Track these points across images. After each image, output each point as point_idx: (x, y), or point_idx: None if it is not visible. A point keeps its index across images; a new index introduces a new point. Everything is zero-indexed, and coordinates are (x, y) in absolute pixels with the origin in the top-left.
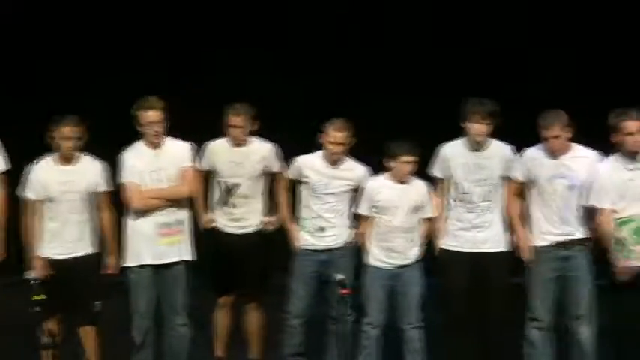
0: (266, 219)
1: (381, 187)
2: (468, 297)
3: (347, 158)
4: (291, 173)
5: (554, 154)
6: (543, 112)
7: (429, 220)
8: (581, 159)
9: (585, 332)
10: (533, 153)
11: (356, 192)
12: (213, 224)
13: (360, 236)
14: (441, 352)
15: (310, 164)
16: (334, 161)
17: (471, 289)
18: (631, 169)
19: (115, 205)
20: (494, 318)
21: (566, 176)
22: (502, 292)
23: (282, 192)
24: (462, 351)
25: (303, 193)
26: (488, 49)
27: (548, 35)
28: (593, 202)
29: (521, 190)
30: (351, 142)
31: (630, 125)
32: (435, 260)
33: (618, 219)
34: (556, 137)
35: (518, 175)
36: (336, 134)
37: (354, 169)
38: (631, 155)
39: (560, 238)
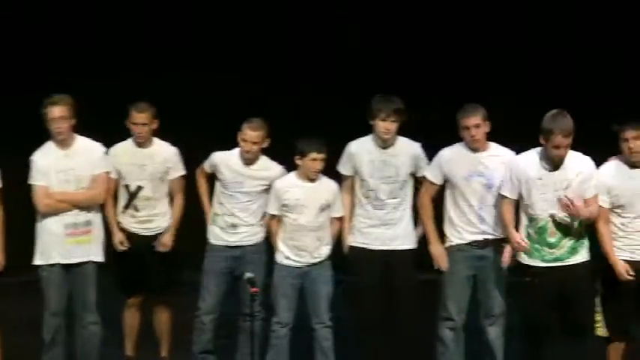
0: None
1: (290, 186)
2: (379, 295)
3: (263, 157)
4: (207, 166)
5: (474, 145)
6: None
7: (339, 218)
8: (498, 157)
9: (495, 332)
10: (449, 153)
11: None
12: (121, 239)
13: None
14: (351, 351)
15: (226, 161)
16: (248, 160)
17: (381, 286)
18: (545, 169)
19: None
20: (404, 316)
21: (483, 174)
22: (411, 289)
23: (179, 195)
24: (373, 349)
25: (218, 189)
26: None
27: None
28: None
29: (436, 191)
30: (266, 142)
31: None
32: (345, 258)
33: (527, 214)
34: (477, 126)
35: (432, 177)
36: (250, 133)
37: (269, 169)
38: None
39: (476, 237)
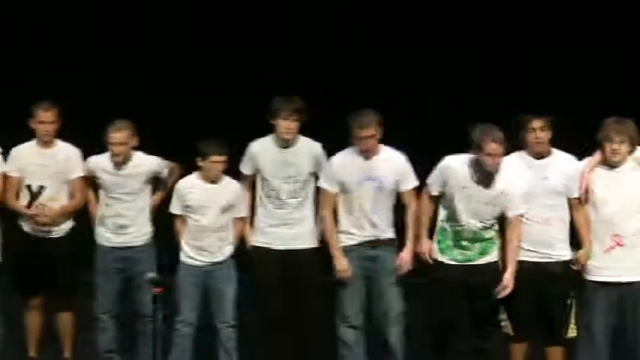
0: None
1: (191, 187)
2: (280, 294)
3: (136, 154)
4: (84, 172)
5: (367, 154)
6: (354, 114)
7: (242, 218)
8: (389, 160)
9: (394, 333)
10: (339, 159)
11: (156, 181)
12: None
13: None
14: (255, 351)
15: (101, 165)
16: (119, 162)
17: (282, 286)
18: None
19: None
20: (307, 316)
21: (375, 178)
22: (314, 289)
23: (78, 194)
24: (277, 350)
25: (101, 192)
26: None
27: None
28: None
29: (334, 200)
30: (134, 140)
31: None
32: (248, 258)
33: (447, 208)
34: (372, 136)
35: (327, 186)
36: (115, 135)
37: (143, 164)
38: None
39: (368, 239)
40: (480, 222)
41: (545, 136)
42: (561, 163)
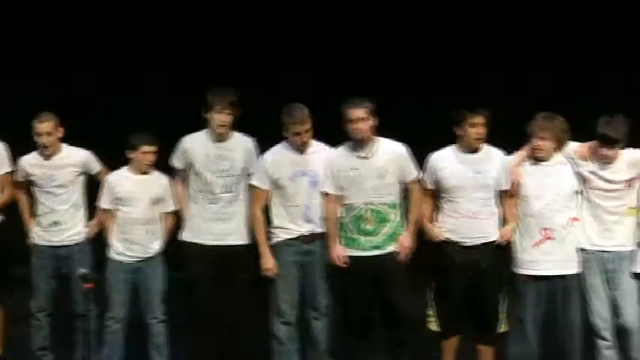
0: None
1: (122, 179)
2: (212, 290)
3: (63, 146)
4: (19, 177)
5: (301, 148)
6: (287, 108)
7: (172, 213)
8: (319, 153)
9: (320, 326)
10: (271, 156)
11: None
12: None
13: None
14: (185, 347)
15: (29, 161)
16: (48, 153)
17: (214, 282)
18: (358, 158)
19: None
20: (240, 312)
21: (308, 172)
22: (246, 284)
23: (7, 190)
24: (208, 345)
25: (34, 190)
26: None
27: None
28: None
29: (266, 197)
30: (60, 131)
31: (350, 113)
32: (178, 253)
33: (345, 204)
34: (307, 131)
35: (259, 183)
36: (40, 125)
37: (71, 155)
38: (359, 144)
39: (303, 233)
40: (377, 199)
41: (484, 131)
42: (492, 158)
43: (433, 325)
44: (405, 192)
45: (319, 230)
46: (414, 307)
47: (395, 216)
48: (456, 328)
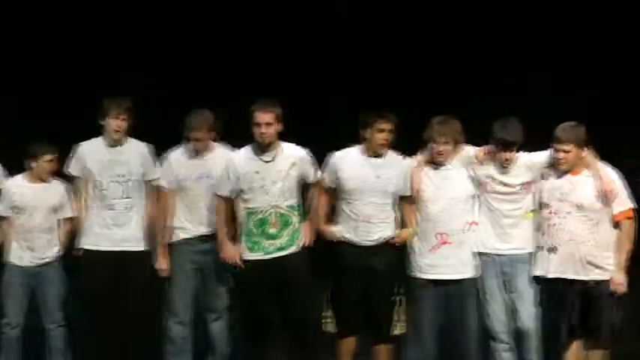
0: None
1: (19, 187)
2: (110, 296)
3: None
4: None
5: (201, 152)
6: (191, 113)
7: (70, 219)
8: (220, 157)
9: (218, 327)
10: (175, 156)
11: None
12: None
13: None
14: (83, 351)
15: None
16: None
17: (112, 287)
18: (261, 161)
19: None
20: (137, 316)
21: (210, 175)
22: (143, 290)
23: None
24: (106, 350)
25: None
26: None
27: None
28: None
29: (166, 195)
30: None
31: (257, 117)
32: (77, 259)
33: (248, 208)
34: (201, 139)
35: (165, 183)
36: None
37: None
38: (263, 148)
39: (201, 233)
40: (283, 202)
41: (390, 137)
42: (394, 164)
43: (330, 327)
44: (304, 193)
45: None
46: (316, 307)
47: (296, 218)
48: (351, 329)
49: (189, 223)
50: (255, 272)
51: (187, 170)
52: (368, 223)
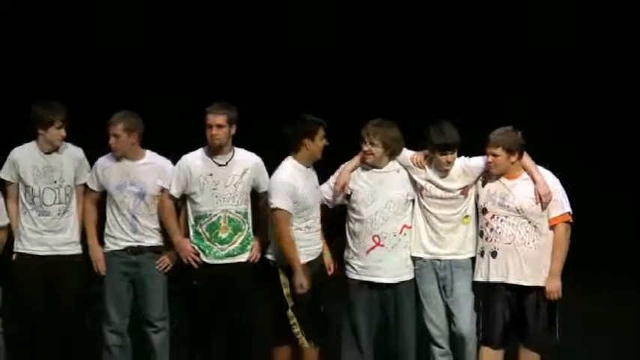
0: None
1: None
2: (43, 302)
3: None
4: None
5: (125, 159)
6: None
7: (3, 227)
8: (151, 164)
9: (159, 338)
10: (104, 161)
11: None
12: None
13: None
14: (20, 357)
15: None
16: None
17: (46, 293)
18: (214, 164)
19: None
20: (67, 322)
21: (135, 183)
22: (76, 295)
23: None
24: (42, 356)
25: None
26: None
27: None
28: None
29: (97, 198)
30: None
31: (209, 119)
32: (12, 266)
33: (199, 212)
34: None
35: (91, 185)
36: None
37: None
38: (216, 151)
39: (131, 244)
40: (233, 207)
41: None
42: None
43: (303, 343)
44: (255, 203)
45: (147, 242)
46: (262, 316)
47: (247, 226)
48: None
49: (119, 232)
50: (202, 278)
51: (113, 177)
52: (312, 234)
